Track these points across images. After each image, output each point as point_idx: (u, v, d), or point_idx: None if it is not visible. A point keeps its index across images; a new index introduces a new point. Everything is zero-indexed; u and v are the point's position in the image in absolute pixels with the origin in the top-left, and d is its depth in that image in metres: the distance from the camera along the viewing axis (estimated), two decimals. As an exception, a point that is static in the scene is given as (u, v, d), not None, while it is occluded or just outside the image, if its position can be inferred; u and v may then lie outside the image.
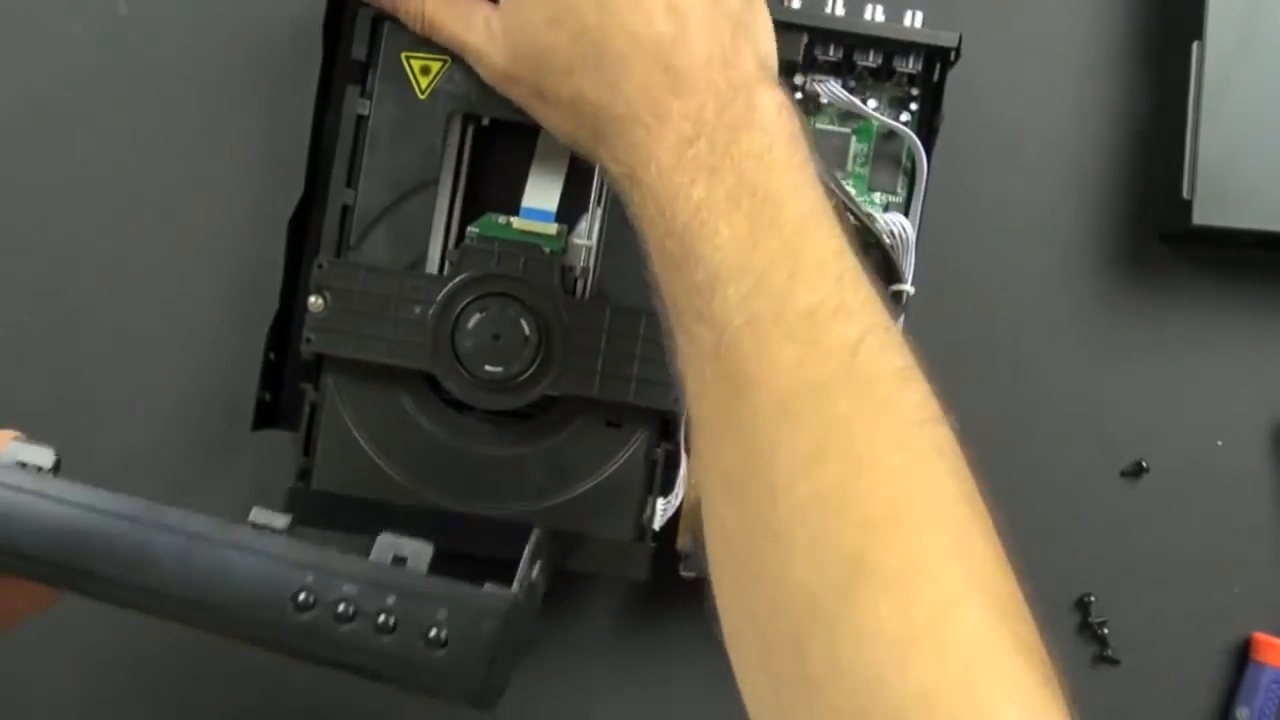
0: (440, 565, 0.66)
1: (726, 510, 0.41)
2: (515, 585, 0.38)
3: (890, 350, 0.42)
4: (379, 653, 0.38)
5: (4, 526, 0.41)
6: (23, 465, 0.42)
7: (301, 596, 0.38)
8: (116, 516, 0.42)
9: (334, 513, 0.58)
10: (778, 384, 0.40)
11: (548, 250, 0.60)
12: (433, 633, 0.38)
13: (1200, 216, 0.61)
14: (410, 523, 0.58)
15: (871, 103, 0.63)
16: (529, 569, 0.40)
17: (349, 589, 0.39)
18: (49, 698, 0.66)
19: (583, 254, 0.61)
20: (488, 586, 0.39)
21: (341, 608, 0.38)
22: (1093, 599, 0.65)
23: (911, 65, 0.62)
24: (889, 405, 0.41)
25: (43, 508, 0.41)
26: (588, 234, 0.61)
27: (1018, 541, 0.65)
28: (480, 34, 0.53)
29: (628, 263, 0.59)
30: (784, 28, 0.61)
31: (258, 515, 0.42)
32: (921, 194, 0.62)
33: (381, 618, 0.38)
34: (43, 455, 0.43)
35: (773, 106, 0.45)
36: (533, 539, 0.41)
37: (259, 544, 0.40)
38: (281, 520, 0.41)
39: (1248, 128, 0.61)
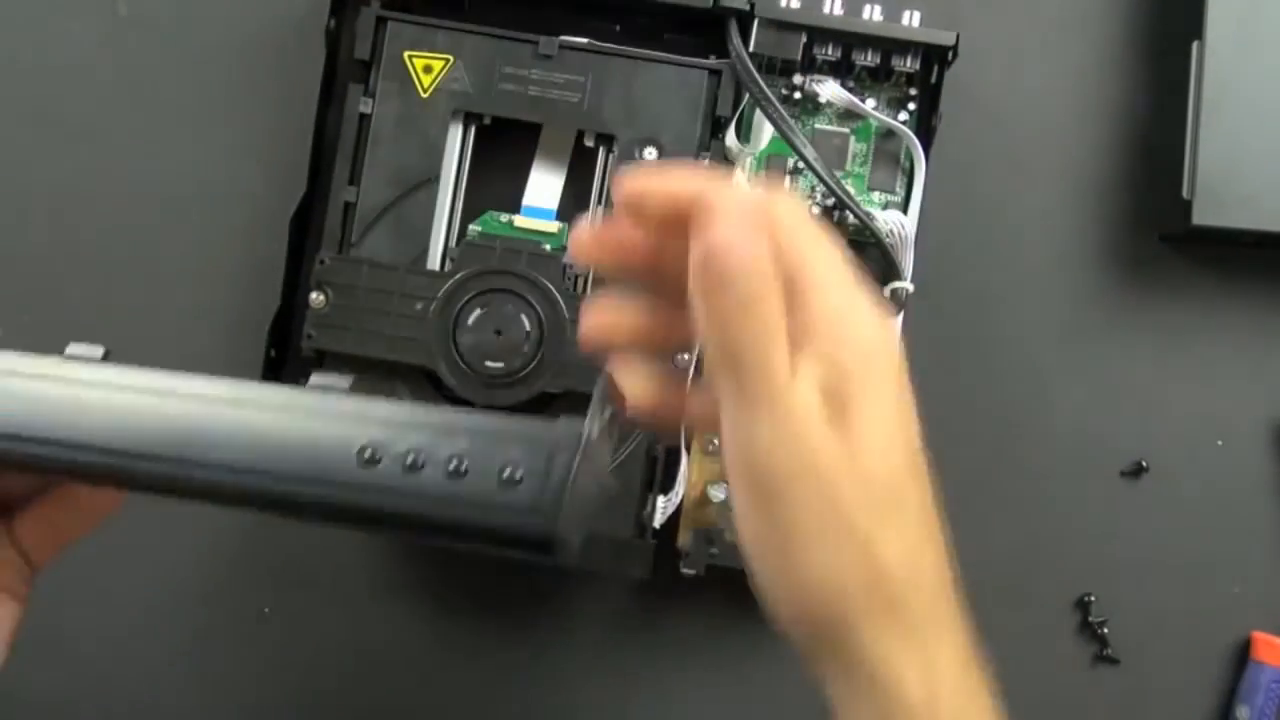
0: (440, 564, 0.66)
1: None
2: (586, 424, 0.36)
3: None
4: (452, 499, 0.36)
5: (59, 420, 0.39)
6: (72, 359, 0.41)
7: (368, 452, 0.36)
8: (173, 396, 0.39)
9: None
10: None
11: (548, 248, 0.60)
12: (506, 472, 0.35)
13: (1200, 216, 0.61)
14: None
15: (870, 102, 0.63)
16: (600, 410, 0.38)
17: (417, 438, 0.36)
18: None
19: (583, 251, 0.61)
20: (561, 421, 0.37)
21: (411, 458, 0.36)
22: (1093, 599, 0.65)
23: (910, 65, 0.62)
24: None
25: (95, 396, 0.39)
26: (588, 232, 0.61)
27: (1018, 541, 0.65)
28: None
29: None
30: (783, 27, 0.61)
31: (317, 379, 0.40)
32: (920, 193, 0.62)
33: (453, 463, 0.36)
34: (92, 350, 0.42)
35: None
36: (600, 382, 0.39)
37: (321, 405, 0.38)
38: (344, 381, 0.40)
39: (1248, 128, 0.61)
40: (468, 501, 0.36)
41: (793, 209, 0.38)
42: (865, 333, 0.38)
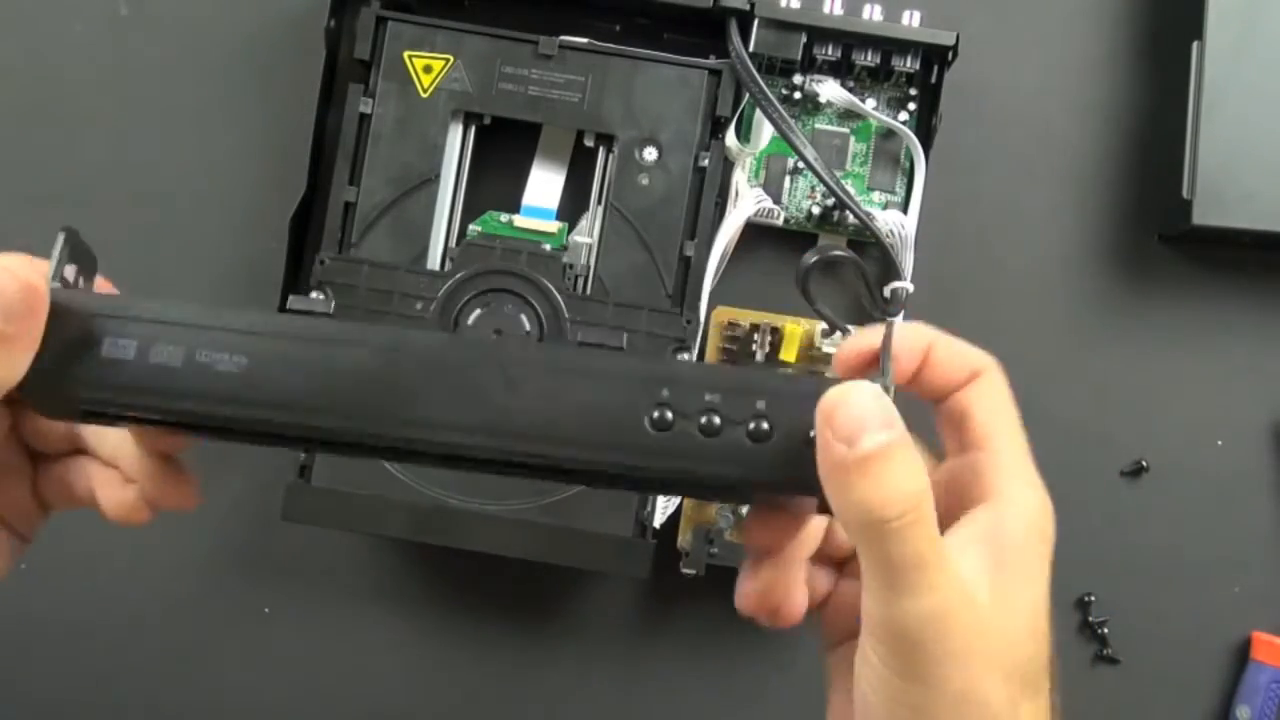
0: (440, 563, 0.66)
1: None
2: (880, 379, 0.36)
3: None
4: (757, 460, 0.34)
5: (314, 379, 0.36)
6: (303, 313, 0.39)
7: (656, 414, 0.35)
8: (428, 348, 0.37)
9: (333, 509, 0.58)
10: None
11: (548, 247, 0.60)
12: (811, 433, 0.34)
13: (1200, 216, 0.61)
14: (411, 519, 0.58)
15: (870, 102, 0.63)
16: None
17: (711, 398, 0.35)
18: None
19: (583, 251, 0.61)
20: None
21: (705, 419, 0.35)
22: (1093, 599, 0.65)
23: (910, 64, 0.62)
24: None
25: (344, 355, 0.36)
26: (588, 231, 0.61)
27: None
28: None
29: (628, 260, 0.59)
30: (783, 27, 0.61)
31: (296, 301, 0.38)
32: (920, 193, 0.62)
33: (753, 424, 0.34)
34: (320, 304, 0.40)
35: None
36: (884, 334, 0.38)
37: (597, 364, 0.36)
38: (327, 305, 0.38)
39: (1248, 128, 0.61)
40: (773, 462, 0.35)
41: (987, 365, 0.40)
42: (1033, 499, 0.39)
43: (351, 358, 0.36)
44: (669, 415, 0.35)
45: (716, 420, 0.35)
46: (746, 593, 0.40)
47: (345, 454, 0.41)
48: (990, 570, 0.36)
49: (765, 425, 0.35)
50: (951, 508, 0.37)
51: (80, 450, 0.42)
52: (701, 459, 0.35)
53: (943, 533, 0.35)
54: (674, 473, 0.35)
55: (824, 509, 0.35)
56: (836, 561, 0.43)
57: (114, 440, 0.41)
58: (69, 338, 0.36)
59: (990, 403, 0.39)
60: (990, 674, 0.35)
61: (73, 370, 0.36)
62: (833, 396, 0.33)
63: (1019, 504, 0.39)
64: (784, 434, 0.35)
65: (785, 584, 0.40)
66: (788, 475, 0.35)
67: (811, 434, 0.34)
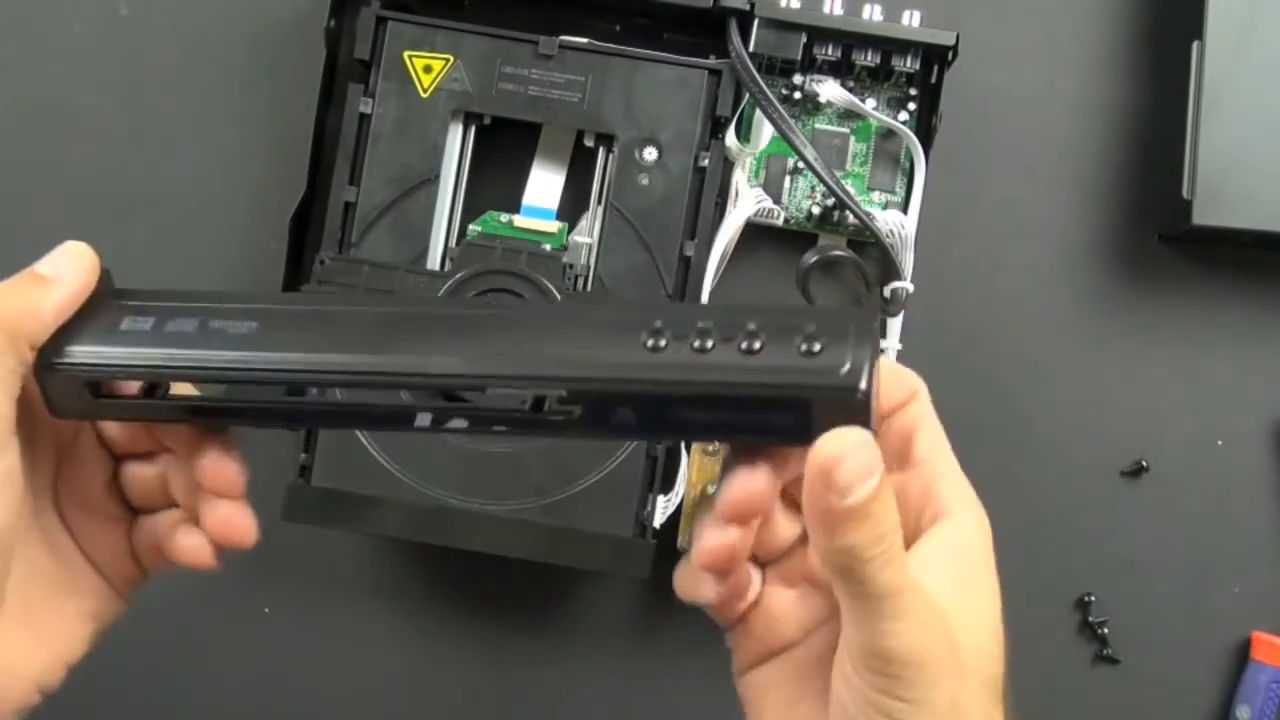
0: (440, 563, 0.66)
1: None
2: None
3: None
4: (752, 369, 0.35)
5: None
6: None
7: (651, 341, 0.36)
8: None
9: (333, 509, 0.58)
10: None
11: (549, 247, 0.60)
12: (803, 345, 0.35)
13: (1200, 216, 0.61)
14: (411, 519, 0.58)
15: (870, 102, 0.63)
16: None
17: (702, 323, 0.36)
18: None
19: (584, 251, 0.61)
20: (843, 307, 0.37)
21: (698, 341, 0.36)
22: (1093, 599, 0.65)
23: (910, 64, 0.62)
24: None
25: (351, 311, 0.40)
26: (588, 231, 0.61)
27: (1018, 541, 0.65)
28: None
29: (628, 260, 0.59)
30: (783, 27, 0.61)
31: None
32: (920, 193, 0.62)
33: (744, 342, 0.35)
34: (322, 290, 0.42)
35: None
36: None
37: (594, 309, 0.39)
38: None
39: (1248, 128, 0.61)
40: (768, 369, 0.35)
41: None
42: (980, 517, 0.41)
43: (358, 312, 0.40)
44: (663, 340, 0.36)
45: (710, 342, 0.36)
46: (712, 548, 0.38)
47: (354, 420, 0.43)
48: (955, 587, 0.38)
49: (757, 343, 0.35)
50: (905, 524, 0.37)
51: (170, 503, 0.44)
52: (697, 369, 0.36)
53: (906, 549, 0.37)
54: (670, 387, 0.36)
55: (799, 437, 0.35)
56: (764, 560, 0.42)
57: (183, 483, 0.43)
58: (94, 314, 0.40)
59: (930, 422, 0.41)
60: (967, 685, 0.37)
61: (91, 340, 0.39)
62: (829, 450, 0.34)
63: (970, 522, 0.40)
64: (776, 348, 0.35)
65: (747, 548, 0.40)
66: (787, 381, 0.35)
67: (804, 347, 0.35)
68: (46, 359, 0.39)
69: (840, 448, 0.34)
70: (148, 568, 0.45)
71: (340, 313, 0.40)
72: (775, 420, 0.36)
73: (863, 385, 0.35)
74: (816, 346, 0.35)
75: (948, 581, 0.38)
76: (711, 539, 0.38)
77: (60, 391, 0.39)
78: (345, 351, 0.38)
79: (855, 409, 0.35)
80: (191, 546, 0.43)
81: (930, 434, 0.40)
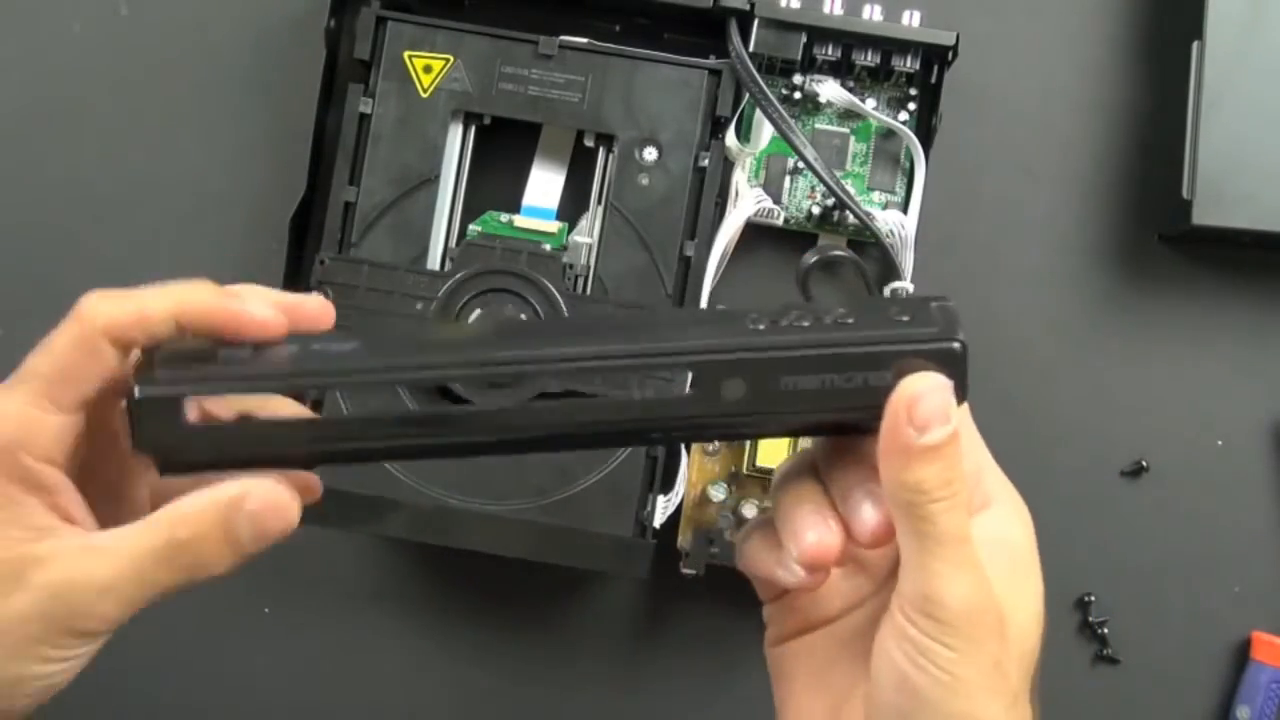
0: (440, 563, 0.66)
1: None
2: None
3: None
4: (849, 336, 0.37)
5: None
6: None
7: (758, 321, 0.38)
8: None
9: (334, 509, 0.58)
10: None
11: (548, 247, 0.60)
12: (897, 316, 0.37)
13: (1200, 216, 0.61)
14: (411, 519, 0.58)
15: (870, 102, 0.63)
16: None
17: (796, 311, 0.38)
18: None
19: (584, 251, 0.61)
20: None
21: (794, 321, 0.37)
22: (1093, 599, 0.65)
23: (910, 64, 0.62)
24: None
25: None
26: (588, 231, 0.61)
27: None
28: None
29: (628, 260, 0.59)
30: (783, 27, 0.61)
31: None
32: (920, 193, 0.62)
33: (834, 318, 0.37)
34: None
35: None
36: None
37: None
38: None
39: (1248, 128, 0.61)
40: (867, 334, 0.37)
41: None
42: (1024, 511, 0.41)
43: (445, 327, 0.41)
44: (762, 324, 0.37)
45: (806, 320, 0.37)
46: (822, 545, 0.38)
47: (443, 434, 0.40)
48: (1004, 569, 0.38)
49: (850, 318, 0.37)
50: None
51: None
52: (803, 333, 0.37)
53: None
54: (787, 350, 0.37)
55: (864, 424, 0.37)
56: None
57: None
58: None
59: (969, 424, 0.41)
60: (1009, 654, 0.37)
61: (189, 376, 0.37)
62: (913, 387, 0.36)
63: (1019, 514, 0.41)
64: (866, 320, 0.37)
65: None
66: (881, 339, 0.37)
67: (897, 318, 0.37)
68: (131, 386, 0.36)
69: (923, 387, 0.36)
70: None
71: (434, 326, 0.40)
72: (875, 385, 0.36)
73: (959, 338, 0.36)
74: (906, 317, 0.37)
75: (995, 563, 0.38)
76: (821, 536, 0.38)
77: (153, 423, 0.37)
78: (447, 349, 0.38)
79: (953, 363, 0.36)
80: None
81: (970, 434, 0.41)
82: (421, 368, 0.38)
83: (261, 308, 0.39)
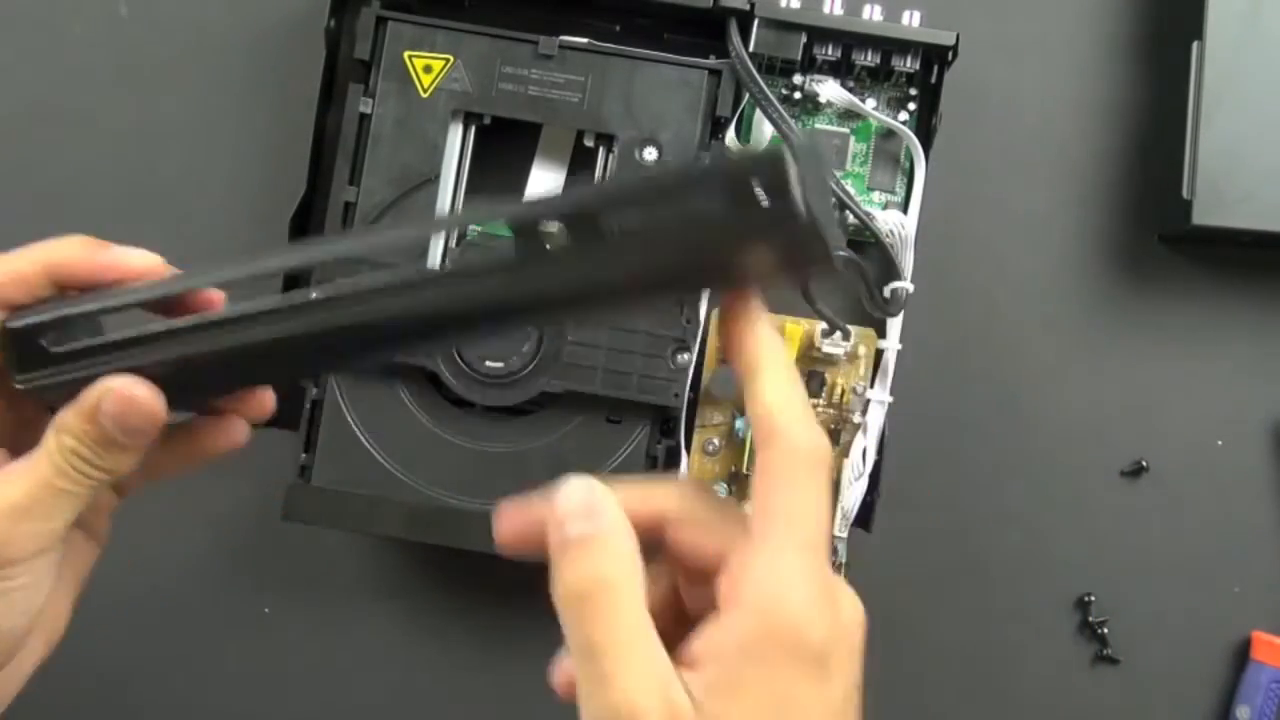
0: (440, 563, 0.66)
1: None
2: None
3: None
4: (671, 171, 0.36)
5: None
6: None
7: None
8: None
9: (333, 509, 0.58)
10: None
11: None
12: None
13: (1200, 216, 0.61)
14: (411, 519, 0.58)
15: (870, 102, 0.63)
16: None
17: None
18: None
19: (583, 251, 0.61)
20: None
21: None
22: (1093, 599, 0.65)
23: (910, 65, 0.62)
24: None
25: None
26: (588, 232, 0.61)
27: (1018, 541, 0.65)
28: None
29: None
30: (783, 27, 0.61)
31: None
32: (920, 193, 0.62)
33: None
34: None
35: None
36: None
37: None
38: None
39: (1248, 128, 0.61)
40: (682, 167, 0.37)
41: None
42: (783, 606, 0.34)
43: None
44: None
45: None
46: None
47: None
48: (705, 686, 0.34)
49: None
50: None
51: None
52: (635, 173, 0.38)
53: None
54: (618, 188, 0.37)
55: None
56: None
57: None
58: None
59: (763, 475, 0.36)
60: None
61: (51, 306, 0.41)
62: (560, 488, 0.36)
63: (755, 613, 0.35)
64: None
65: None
66: (714, 165, 0.36)
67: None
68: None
69: (564, 485, 0.36)
70: (124, 494, 0.45)
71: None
72: (706, 210, 0.35)
73: (783, 156, 0.34)
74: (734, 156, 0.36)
75: (697, 676, 0.34)
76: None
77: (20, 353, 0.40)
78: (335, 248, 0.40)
79: (777, 177, 0.34)
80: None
81: (764, 493, 0.36)
82: (269, 268, 0.40)
83: (130, 257, 0.41)
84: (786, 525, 0.35)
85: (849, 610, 0.36)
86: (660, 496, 0.38)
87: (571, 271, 0.37)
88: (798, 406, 0.36)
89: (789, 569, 0.34)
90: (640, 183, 0.36)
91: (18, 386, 0.40)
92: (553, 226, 0.36)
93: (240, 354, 0.40)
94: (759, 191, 0.34)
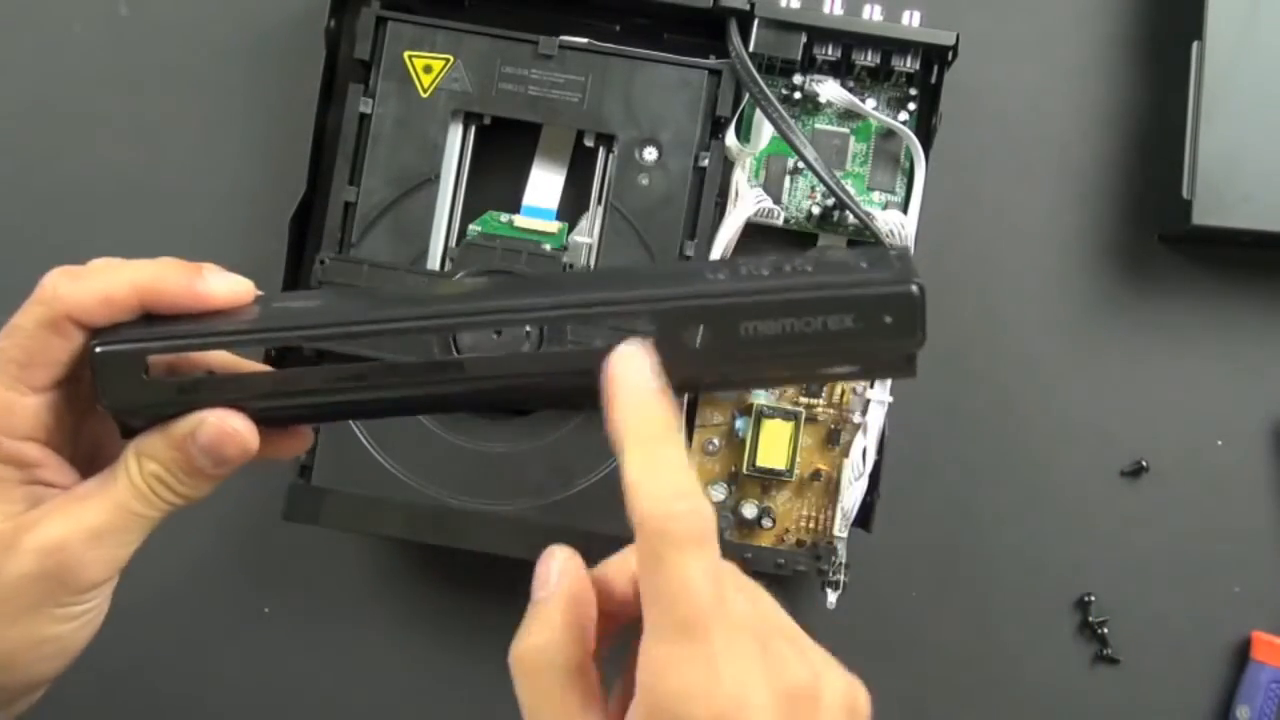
0: (440, 563, 0.66)
1: None
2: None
3: None
4: (815, 282, 0.37)
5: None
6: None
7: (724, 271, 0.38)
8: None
9: (333, 509, 0.58)
10: None
11: (548, 247, 0.60)
12: (857, 264, 0.38)
13: (1200, 216, 0.61)
14: (411, 519, 0.58)
15: (870, 102, 0.63)
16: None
17: (754, 264, 0.39)
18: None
19: (584, 251, 0.61)
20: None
21: (753, 271, 0.38)
22: (1093, 599, 0.65)
23: (910, 65, 0.62)
24: None
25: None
26: (589, 231, 0.61)
27: (1018, 541, 0.65)
28: None
29: (628, 260, 0.59)
30: (783, 27, 0.61)
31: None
32: (920, 193, 0.62)
33: (793, 265, 0.38)
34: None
35: None
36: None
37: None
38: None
39: (1248, 128, 0.61)
40: (820, 280, 0.37)
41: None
42: (666, 698, 0.34)
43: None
44: (721, 274, 0.38)
45: (765, 270, 0.38)
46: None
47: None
48: None
49: (809, 266, 0.38)
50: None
51: None
52: (763, 281, 0.38)
53: None
54: (743, 297, 0.38)
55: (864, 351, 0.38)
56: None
57: None
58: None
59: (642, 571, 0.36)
60: None
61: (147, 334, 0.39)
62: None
63: (643, 702, 0.35)
64: (825, 268, 0.38)
65: None
66: (840, 282, 0.37)
67: (858, 265, 0.38)
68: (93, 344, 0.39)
69: (543, 553, 0.38)
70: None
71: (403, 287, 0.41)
72: (834, 330, 0.37)
73: (916, 281, 0.37)
74: (865, 264, 0.38)
75: None
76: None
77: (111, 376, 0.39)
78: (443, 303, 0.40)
79: (910, 306, 0.37)
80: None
81: (647, 588, 0.35)
82: (376, 321, 0.39)
83: (224, 287, 0.39)
84: (659, 611, 0.34)
85: (831, 692, 0.37)
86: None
87: (709, 369, 0.38)
88: (659, 481, 0.35)
89: (663, 656, 0.34)
90: (780, 301, 0.37)
91: (103, 406, 0.39)
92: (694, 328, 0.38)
93: (342, 408, 0.41)
94: (888, 320, 0.37)
